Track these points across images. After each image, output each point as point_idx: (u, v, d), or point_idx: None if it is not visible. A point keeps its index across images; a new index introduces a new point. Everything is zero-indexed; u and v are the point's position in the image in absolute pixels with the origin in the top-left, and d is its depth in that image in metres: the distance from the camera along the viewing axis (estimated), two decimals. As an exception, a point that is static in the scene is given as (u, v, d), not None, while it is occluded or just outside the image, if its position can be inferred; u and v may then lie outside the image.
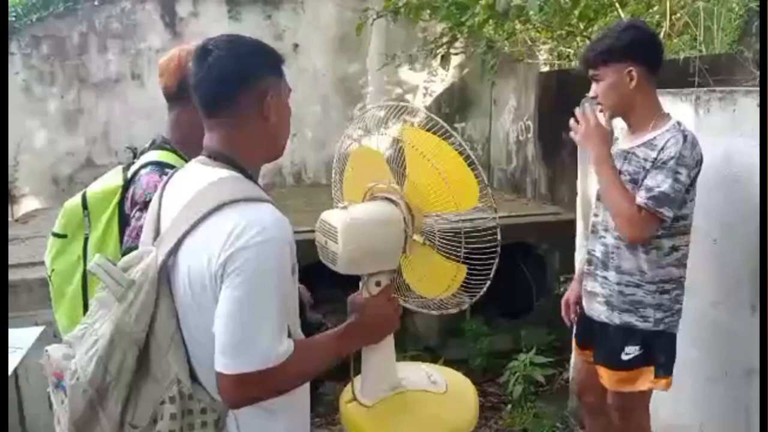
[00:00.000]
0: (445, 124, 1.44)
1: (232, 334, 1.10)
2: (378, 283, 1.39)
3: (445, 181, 1.35)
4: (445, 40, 4.85)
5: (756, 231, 1.94)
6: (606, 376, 2.02)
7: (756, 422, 1.92)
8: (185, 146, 1.64)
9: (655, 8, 4.44)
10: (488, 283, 1.46)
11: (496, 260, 1.43)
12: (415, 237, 1.40)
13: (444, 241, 1.43)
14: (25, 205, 5.40)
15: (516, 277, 4.11)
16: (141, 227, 1.47)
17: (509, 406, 3.31)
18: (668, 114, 1.93)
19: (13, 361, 1.84)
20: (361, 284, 1.41)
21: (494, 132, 6.13)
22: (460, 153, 1.40)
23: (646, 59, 1.89)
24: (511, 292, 4.29)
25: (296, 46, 5.80)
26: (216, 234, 1.11)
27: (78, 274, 1.62)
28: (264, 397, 1.17)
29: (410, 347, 3.66)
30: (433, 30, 5.70)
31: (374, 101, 6.05)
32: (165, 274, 1.16)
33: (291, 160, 5.89)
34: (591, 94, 1.94)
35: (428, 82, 6.14)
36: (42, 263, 3.11)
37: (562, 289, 4.00)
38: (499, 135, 5.97)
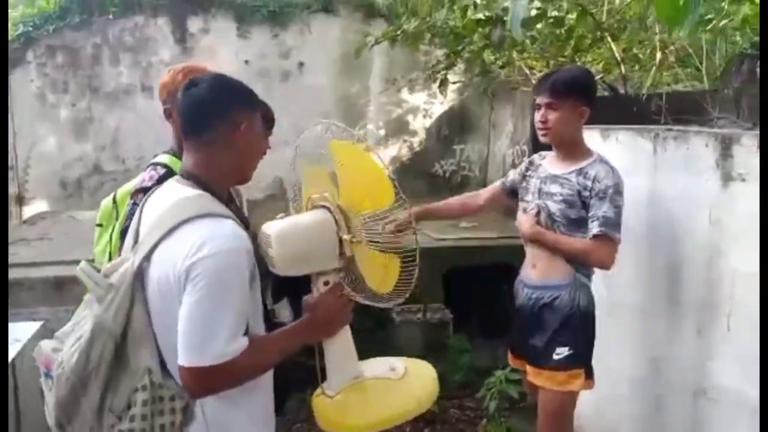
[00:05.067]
0: (355, 133, 1.59)
1: (191, 332, 1.25)
2: (326, 282, 1.55)
3: (360, 183, 1.52)
4: (443, 65, 5.03)
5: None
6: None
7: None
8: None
9: (646, 42, 4.61)
10: (415, 273, 1.56)
11: (418, 248, 1.54)
12: (344, 236, 1.53)
13: (370, 237, 1.54)
14: (34, 207, 5.59)
15: (499, 296, 4.25)
16: (133, 212, 1.66)
17: (484, 420, 3.44)
18: (589, 147, 2.21)
19: (12, 352, 2.01)
20: (312, 285, 1.56)
21: (492, 154, 6.30)
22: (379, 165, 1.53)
23: (592, 103, 2.16)
24: (493, 310, 4.44)
25: (301, 64, 6.01)
26: (180, 245, 1.27)
27: (107, 257, 1.89)
28: (220, 388, 1.32)
29: (393, 360, 3.80)
30: (435, 53, 5.90)
31: (375, 121, 6.25)
32: (140, 278, 1.32)
33: (293, 174, 6.05)
34: (539, 118, 2.17)
35: (428, 103, 6.33)
36: (44, 264, 3.30)
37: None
38: (496, 158, 6.14)
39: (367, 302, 1.61)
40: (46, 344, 1.39)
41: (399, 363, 1.71)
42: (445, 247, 4.01)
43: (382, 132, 6.27)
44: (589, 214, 2.09)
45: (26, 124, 5.52)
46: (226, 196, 1.47)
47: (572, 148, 2.19)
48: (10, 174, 5.48)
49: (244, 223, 2.24)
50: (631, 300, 2.46)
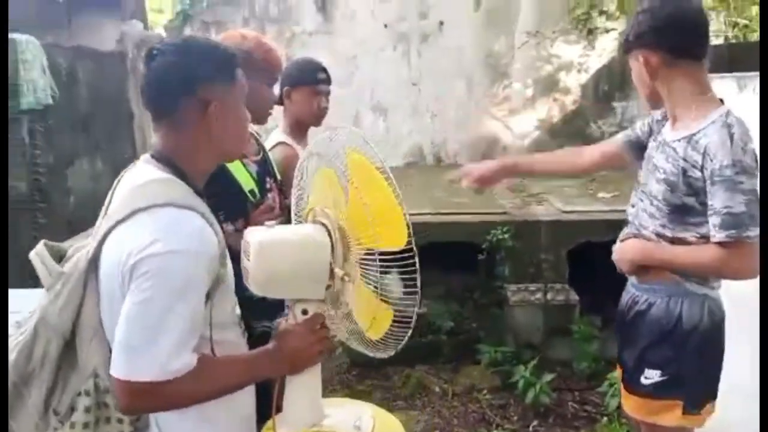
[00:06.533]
0: (380, 158, 1.26)
1: (128, 340, 1.08)
2: (305, 312, 1.30)
3: (372, 213, 1.22)
4: (586, 12, 4.44)
5: None
6: None
7: None
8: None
9: None
10: (408, 332, 1.26)
11: (416, 308, 1.25)
12: (337, 270, 1.25)
13: (365, 278, 1.27)
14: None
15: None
16: None
17: (605, 419, 3.02)
18: (715, 98, 1.63)
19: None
20: (287, 309, 1.33)
21: (658, 112, 5.51)
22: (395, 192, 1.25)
23: (662, 43, 1.62)
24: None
25: (441, 23, 5.72)
26: (131, 236, 1.11)
27: None
28: (154, 409, 1.16)
29: (509, 343, 3.50)
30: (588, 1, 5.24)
31: (521, 79, 5.77)
32: (95, 267, 1.16)
33: (431, 140, 5.86)
34: None
35: (583, 57, 5.69)
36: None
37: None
38: (661, 116, 5.36)
39: (349, 343, 1.36)
40: None
41: (367, 417, 1.42)
42: (572, 220, 3.55)
43: (530, 91, 5.77)
44: (709, 204, 1.55)
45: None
46: (203, 181, 1.29)
47: (672, 107, 1.67)
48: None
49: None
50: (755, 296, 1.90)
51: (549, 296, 3.50)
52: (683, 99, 1.65)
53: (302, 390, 1.35)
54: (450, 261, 3.80)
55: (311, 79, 2.32)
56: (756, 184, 1.52)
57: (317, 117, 2.37)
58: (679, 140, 1.64)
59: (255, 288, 1.26)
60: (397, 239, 1.26)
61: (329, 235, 1.28)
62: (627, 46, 1.70)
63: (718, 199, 1.53)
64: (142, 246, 1.08)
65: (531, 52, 5.66)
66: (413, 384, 3.33)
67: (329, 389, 3.35)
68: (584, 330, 3.44)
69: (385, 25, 5.76)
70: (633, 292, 1.81)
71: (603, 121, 5.76)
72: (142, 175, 1.22)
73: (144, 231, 1.11)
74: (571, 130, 5.78)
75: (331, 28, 5.83)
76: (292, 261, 1.25)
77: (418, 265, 1.23)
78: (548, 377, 3.14)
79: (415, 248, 1.25)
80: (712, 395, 1.71)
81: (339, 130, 1.35)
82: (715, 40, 4.63)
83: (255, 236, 1.25)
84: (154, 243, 1.09)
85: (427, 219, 3.60)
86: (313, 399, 1.38)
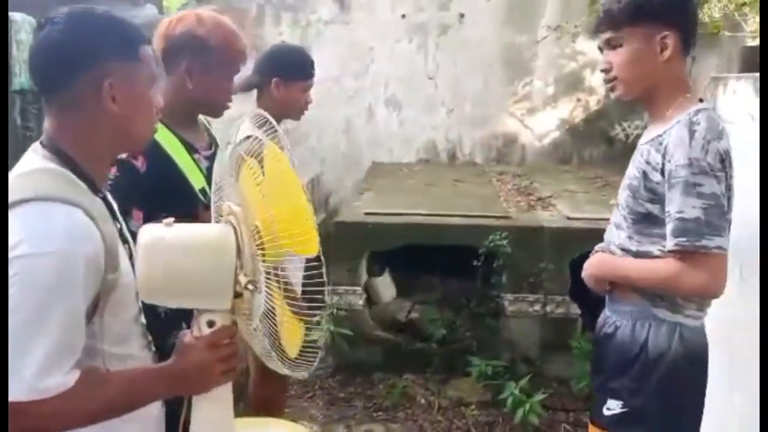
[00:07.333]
0: (293, 159, 1.13)
1: None
2: (211, 323, 1.13)
3: (270, 214, 1.08)
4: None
5: None
6: None
7: None
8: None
9: None
10: (319, 352, 1.13)
11: (325, 325, 1.11)
12: (241, 278, 1.09)
13: (270, 286, 1.09)
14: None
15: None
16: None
17: (598, 445, 2.79)
18: (695, 99, 1.46)
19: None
20: (193, 319, 1.17)
21: (688, 116, 5.19)
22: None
23: (685, 26, 1.44)
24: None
25: (462, 15, 5.48)
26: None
27: None
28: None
29: (504, 356, 3.29)
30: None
31: (543, 76, 5.50)
32: None
33: (446, 136, 5.64)
34: (602, 65, 1.52)
35: (610, 55, 5.39)
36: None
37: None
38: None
39: (264, 360, 1.20)
40: None
41: None
42: (576, 227, 3.31)
43: (551, 90, 5.50)
44: (666, 211, 1.40)
45: (198, 85, 5.86)
46: (103, 172, 1.18)
47: (657, 103, 1.47)
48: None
49: None
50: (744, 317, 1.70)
51: (548, 308, 3.28)
52: (670, 94, 1.46)
53: (209, 411, 1.19)
54: (447, 265, 3.61)
55: (307, 73, 2.20)
56: (719, 188, 1.34)
57: (303, 112, 2.25)
58: (646, 143, 1.47)
59: (144, 295, 1.12)
60: (307, 246, 1.11)
61: (236, 237, 1.12)
62: (634, 15, 1.41)
63: (673, 204, 1.37)
64: (9, 247, 0.97)
65: (554, 48, 5.39)
66: (397, 394, 3.15)
67: (308, 395, 3.20)
68: (584, 346, 3.21)
69: (403, 16, 5.55)
70: (606, 313, 1.63)
71: (628, 123, 5.45)
72: (24, 165, 1.10)
73: (10, 230, 0.99)
74: (594, 131, 5.50)
75: (348, 17, 5.64)
76: (186, 265, 1.09)
77: (325, 277, 1.08)
78: (540, 396, 2.93)
79: (323, 258, 1.10)
80: None
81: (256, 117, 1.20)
82: (751, 42, 4.33)
83: (145, 235, 1.10)
84: (20, 244, 0.98)
85: (422, 220, 3.41)
86: (222, 421, 1.21)
